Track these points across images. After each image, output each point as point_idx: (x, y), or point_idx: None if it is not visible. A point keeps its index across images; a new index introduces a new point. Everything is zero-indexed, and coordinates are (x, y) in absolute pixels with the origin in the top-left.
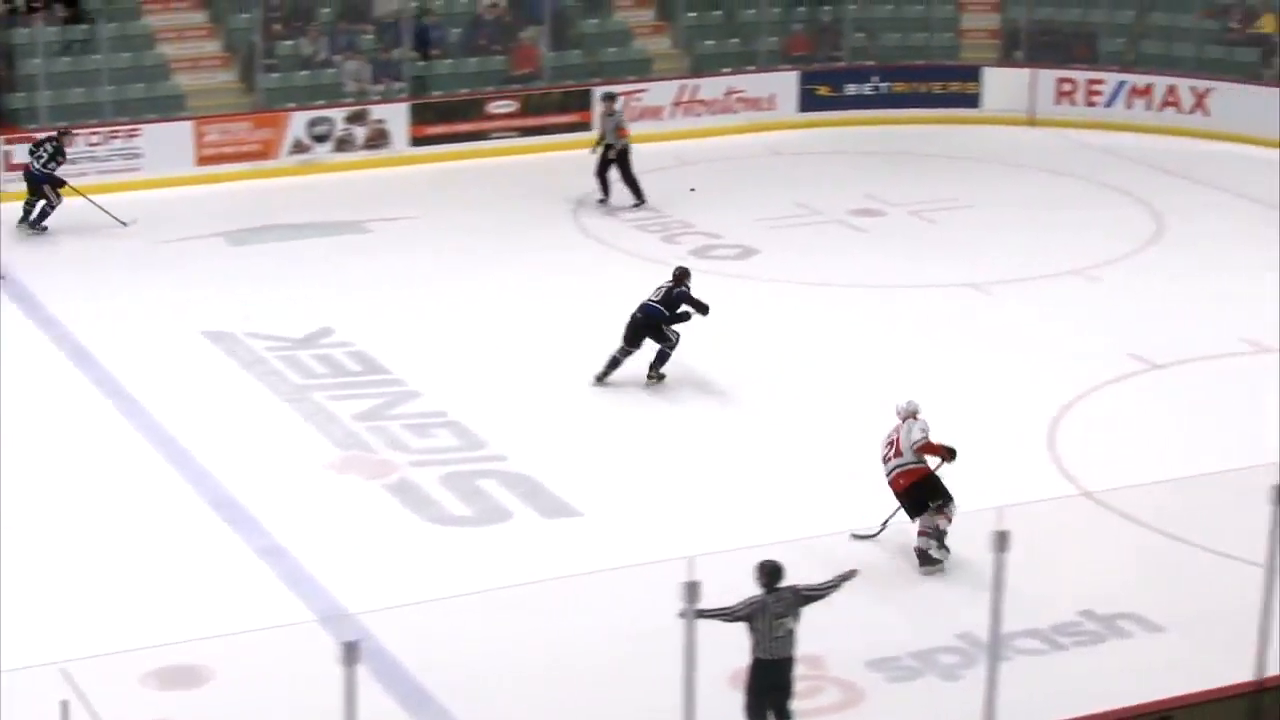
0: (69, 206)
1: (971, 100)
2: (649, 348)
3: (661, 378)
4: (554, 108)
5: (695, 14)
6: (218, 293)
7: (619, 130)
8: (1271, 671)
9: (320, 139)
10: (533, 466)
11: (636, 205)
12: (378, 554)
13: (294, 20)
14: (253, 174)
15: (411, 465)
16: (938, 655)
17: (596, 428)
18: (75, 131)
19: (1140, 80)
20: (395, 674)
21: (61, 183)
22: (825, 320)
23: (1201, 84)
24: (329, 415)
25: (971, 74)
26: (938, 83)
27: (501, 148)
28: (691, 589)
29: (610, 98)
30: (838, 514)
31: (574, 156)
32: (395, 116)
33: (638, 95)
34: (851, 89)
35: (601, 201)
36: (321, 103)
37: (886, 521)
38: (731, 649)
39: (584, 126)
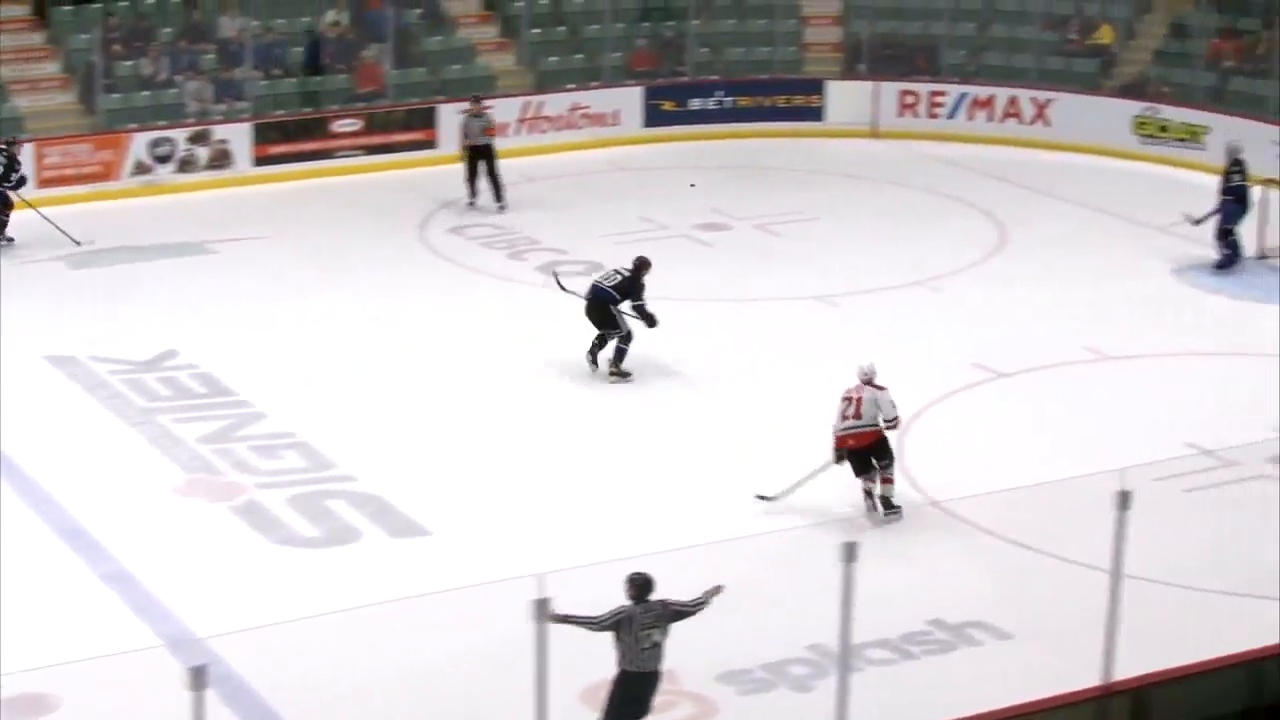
0: None
1: (815, 113)
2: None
3: (623, 375)
4: (398, 126)
5: (539, 31)
6: (60, 316)
7: (487, 130)
8: (1118, 675)
9: (162, 160)
10: (381, 486)
11: (500, 208)
12: (226, 577)
13: (134, 40)
14: (94, 196)
15: (259, 487)
16: (789, 667)
17: (444, 446)
18: (20, 141)
19: (982, 92)
20: (245, 698)
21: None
22: (673, 335)
23: (1042, 95)
24: (174, 438)
25: (815, 87)
26: (782, 96)
27: (346, 166)
28: (541, 606)
29: (477, 99)
30: (691, 527)
31: (419, 174)
32: (238, 136)
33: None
34: (696, 104)
35: (470, 204)
36: (163, 123)
37: (796, 486)
38: (582, 668)
39: (429, 144)
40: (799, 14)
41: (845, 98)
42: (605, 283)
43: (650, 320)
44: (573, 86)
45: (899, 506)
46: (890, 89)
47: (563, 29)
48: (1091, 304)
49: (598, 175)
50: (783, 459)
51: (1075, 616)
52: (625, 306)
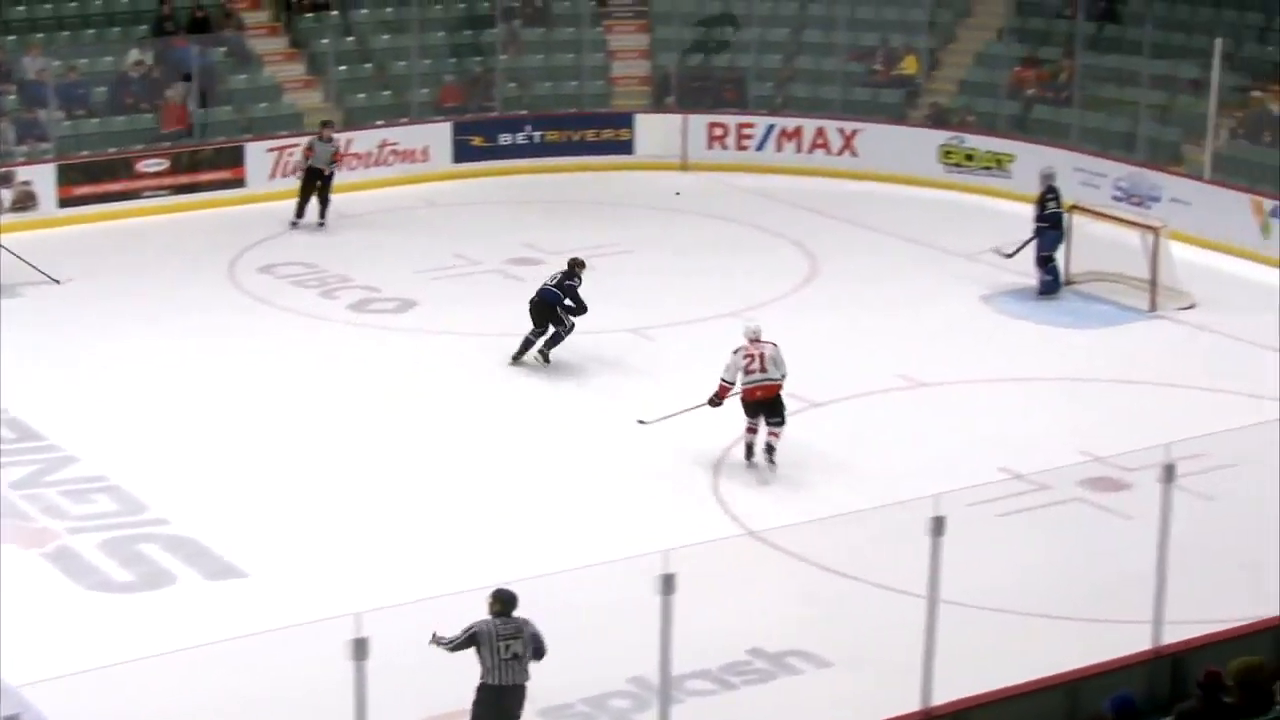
0: None
1: (625, 147)
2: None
3: (547, 360)
4: (205, 165)
5: (345, 68)
6: None
7: (335, 156)
8: (937, 700)
9: None
10: (195, 528)
11: (320, 224)
12: (38, 624)
13: None
14: None
15: (70, 532)
16: (610, 700)
17: (259, 487)
18: None
19: (789, 123)
20: None
21: None
22: (487, 371)
23: (849, 125)
24: None
25: (624, 121)
26: (591, 130)
27: (153, 207)
28: (359, 646)
29: (327, 124)
30: (506, 563)
31: (228, 214)
32: (42, 177)
33: (290, 151)
34: (505, 139)
35: (294, 224)
36: None
37: (676, 414)
38: (401, 709)
39: (236, 183)
40: (606, 48)
41: (654, 131)
42: (551, 284)
43: (582, 308)
44: (381, 123)
45: (775, 464)
46: (699, 121)
47: (369, 66)
48: (903, 332)
49: (408, 212)
50: (604, 487)
51: (893, 643)
52: (567, 303)
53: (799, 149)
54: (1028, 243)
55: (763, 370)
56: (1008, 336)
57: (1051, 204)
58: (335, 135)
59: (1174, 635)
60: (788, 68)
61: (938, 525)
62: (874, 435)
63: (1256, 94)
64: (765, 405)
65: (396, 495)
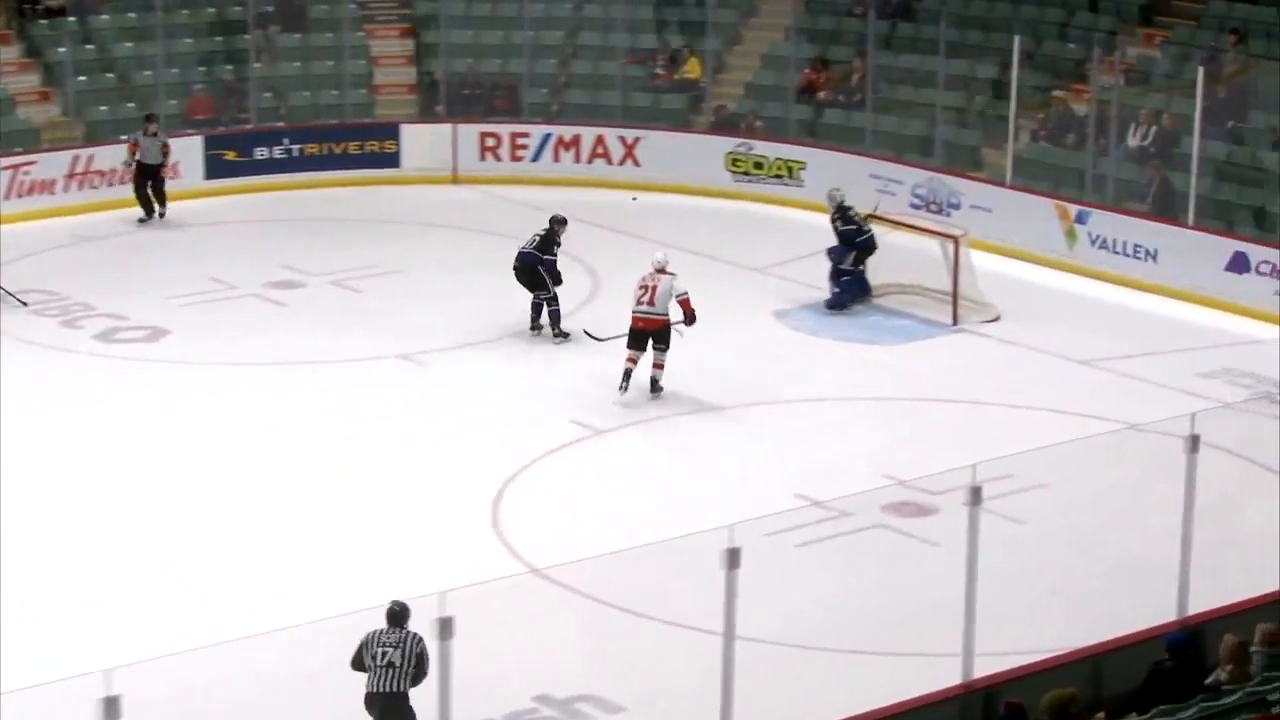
0: None
1: (391, 159)
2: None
3: (564, 336)
4: None
5: (85, 78)
6: None
7: (165, 148)
8: None
9: None
10: None
11: (143, 221)
12: None
13: None
14: None
15: None
16: None
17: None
18: None
19: (567, 131)
20: None
21: None
22: (248, 402)
23: (630, 133)
24: None
25: (390, 132)
26: (354, 142)
27: None
28: (110, 704)
29: (151, 118)
30: (264, 611)
31: None
32: None
33: (25, 169)
34: (261, 152)
35: (142, 221)
36: None
37: (611, 338)
38: None
39: None
40: (369, 54)
41: (422, 142)
42: (529, 247)
43: (556, 279)
44: (125, 138)
45: (662, 387)
46: (470, 131)
47: (111, 76)
48: (690, 352)
49: (157, 232)
50: (374, 524)
51: (688, 684)
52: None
53: (578, 159)
54: (856, 266)
55: (650, 303)
56: (803, 354)
57: (839, 224)
58: (158, 127)
59: (985, 668)
60: (563, 72)
61: (733, 557)
62: (663, 462)
63: (1058, 93)
64: (646, 335)
65: (150, 539)
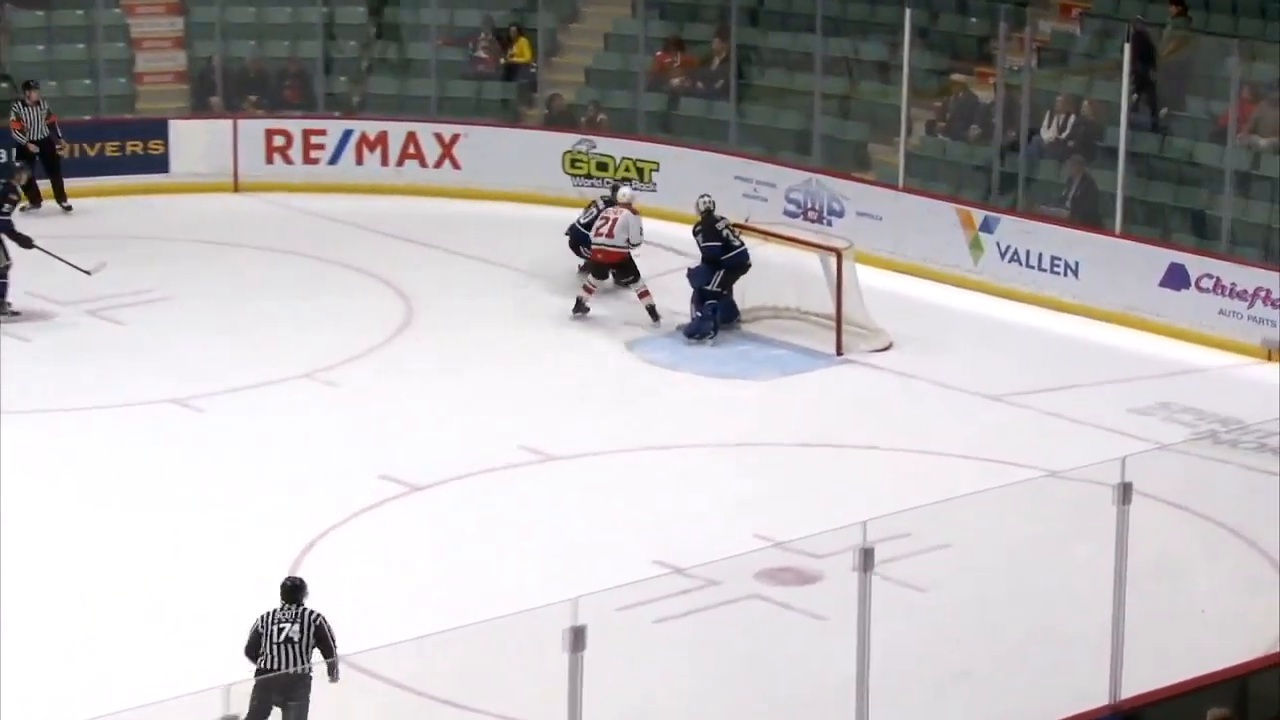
0: None
1: (159, 163)
2: None
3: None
4: None
5: None
6: None
7: (49, 118)
8: None
9: None
10: None
11: (66, 208)
12: None
13: None
14: None
15: None
16: None
17: None
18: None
19: (371, 128)
20: None
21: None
22: None
23: (448, 129)
24: None
25: (156, 130)
26: (112, 142)
27: None
28: None
29: (31, 85)
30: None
31: None
32: None
33: None
34: None
35: (25, 209)
36: None
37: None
38: None
39: None
40: (128, 36)
41: (196, 141)
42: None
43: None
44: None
45: (660, 315)
46: (253, 128)
47: None
48: (525, 392)
49: None
50: (148, 607)
51: None
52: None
53: (385, 161)
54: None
55: (609, 235)
56: (659, 393)
57: (699, 237)
58: (40, 97)
59: None
60: (366, 56)
61: (577, 637)
62: (492, 524)
63: (958, 77)
64: (606, 267)
65: None
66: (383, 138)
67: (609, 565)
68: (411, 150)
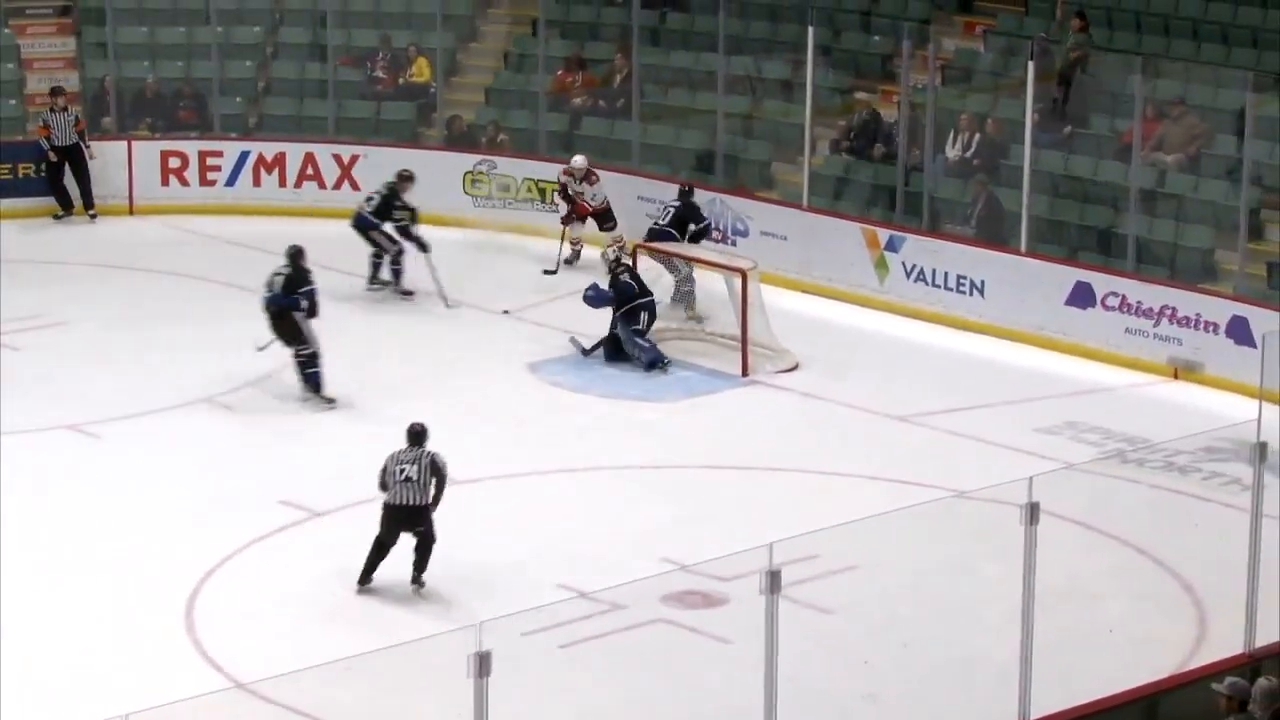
0: None
1: (42, 186)
2: None
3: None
4: None
5: None
6: None
7: (78, 124)
8: None
9: None
10: None
11: (93, 217)
12: None
13: None
14: None
15: None
16: None
17: None
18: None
19: (268, 149)
20: None
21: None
22: None
23: (347, 150)
24: None
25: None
26: (3, 165)
27: None
28: None
29: (58, 91)
30: None
31: None
32: None
33: None
34: None
35: (59, 218)
36: None
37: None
38: None
39: None
40: (18, 56)
41: (93, 164)
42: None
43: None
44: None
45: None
46: (147, 150)
47: None
48: (428, 416)
49: None
50: (53, 634)
51: None
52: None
53: (283, 182)
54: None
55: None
56: (563, 415)
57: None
58: (63, 102)
59: None
60: (262, 76)
61: (482, 663)
62: (394, 550)
63: (862, 95)
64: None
65: None
66: (280, 159)
67: (514, 590)
68: (310, 171)
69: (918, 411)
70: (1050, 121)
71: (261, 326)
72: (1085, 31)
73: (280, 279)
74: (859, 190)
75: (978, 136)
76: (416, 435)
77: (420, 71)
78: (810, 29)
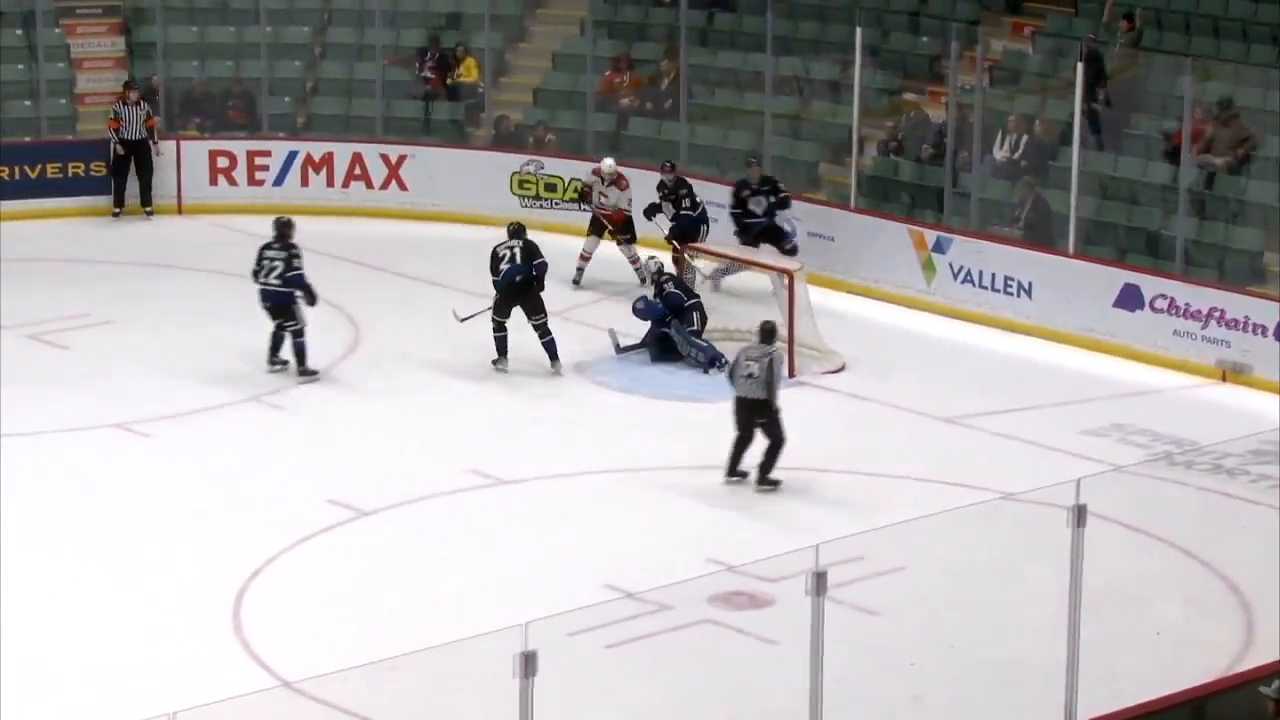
0: None
1: (100, 185)
2: None
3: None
4: None
5: None
6: None
7: (149, 121)
8: None
9: None
10: None
11: (149, 214)
12: None
13: None
14: None
15: None
16: None
17: None
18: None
19: (316, 149)
20: None
21: None
22: None
23: (395, 150)
24: None
25: (97, 151)
26: (53, 164)
27: None
28: None
29: (131, 84)
30: None
31: None
32: None
33: None
34: None
35: (116, 215)
36: None
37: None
38: None
39: None
40: (69, 56)
41: None
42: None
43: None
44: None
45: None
46: (197, 150)
47: None
48: (475, 416)
49: None
50: (97, 633)
51: None
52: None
53: (331, 182)
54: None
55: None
56: (610, 415)
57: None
58: (135, 96)
59: None
60: (311, 76)
61: (528, 663)
62: (442, 549)
63: (910, 96)
64: (604, 226)
65: None
66: (328, 159)
67: (560, 590)
68: (357, 171)
69: (964, 413)
70: (1100, 122)
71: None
72: (1133, 31)
73: (280, 264)
74: (906, 192)
75: (1025, 138)
76: (768, 333)
77: (468, 71)
78: (858, 29)
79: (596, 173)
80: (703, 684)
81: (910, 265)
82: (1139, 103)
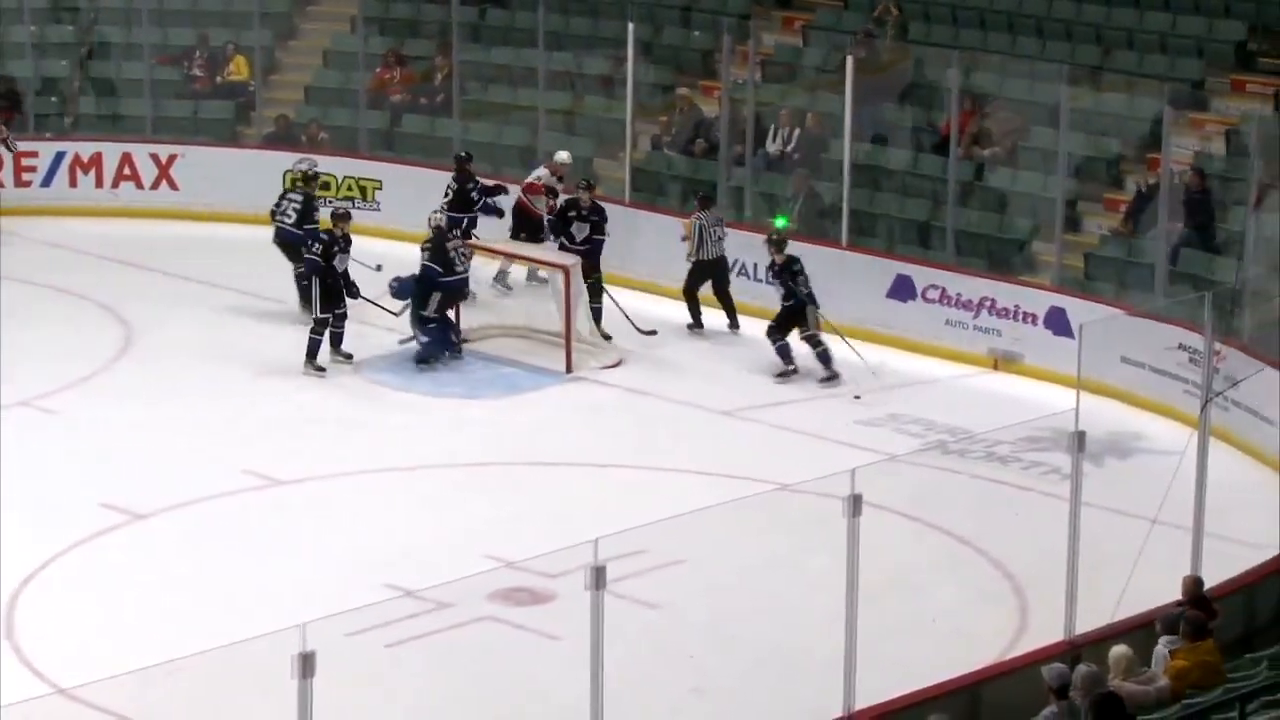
0: None
1: None
2: None
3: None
4: None
5: None
6: None
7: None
8: None
9: None
10: None
11: None
12: None
13: None
14: None
15: None
16: None
17: None
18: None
19: (84, 149)
20: None
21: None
22: None
23: (165, 150)
24: None
25: None
26: None
27: None
28: None
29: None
30: None
31: None
32: None
33: None
34: None
35: None
36: None
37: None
38: None
39: None
40: None
41: None
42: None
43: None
44: None
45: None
46: None
47: None
48: (249, 416)
49: None
50: None
51: None
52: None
53: (99, 183)
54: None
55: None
56: (387, 414)
57: (425, 255)
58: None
59: None
60: (77, 76)
61: (306, 663)
62: (217, 551)
63: (683, 91)
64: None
65: None
66: (97, 159)
67: (339, 590)
68: (127, 171)
69: (741, 406)
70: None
71: None
72: (902, 26)
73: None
74: (680, 186)
75: (798, 131)
76: (708, 199)
77: (238, 70)
78: (630, 25)
79: (553, 170)
80: (484, 681)
81: (684, 260)
82: (908, 94)
